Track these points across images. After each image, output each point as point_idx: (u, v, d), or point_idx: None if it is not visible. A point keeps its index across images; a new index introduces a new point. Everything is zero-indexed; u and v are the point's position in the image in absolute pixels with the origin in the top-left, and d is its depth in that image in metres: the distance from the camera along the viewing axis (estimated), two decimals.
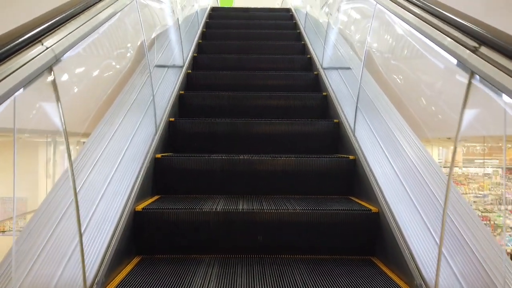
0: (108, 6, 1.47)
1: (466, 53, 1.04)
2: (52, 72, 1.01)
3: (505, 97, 0.89)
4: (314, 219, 1.67)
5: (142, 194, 1.77)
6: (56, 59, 1.02)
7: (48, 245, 1.07)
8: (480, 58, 0.98)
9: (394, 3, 1.66)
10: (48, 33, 1.02)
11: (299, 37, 4.52)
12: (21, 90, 0.85)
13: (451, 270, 1.16)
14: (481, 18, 1.08)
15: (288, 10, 5.98)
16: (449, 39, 1.15)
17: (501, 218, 5.62)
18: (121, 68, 1.86)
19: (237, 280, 1.37)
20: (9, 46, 0.84)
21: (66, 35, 1.11)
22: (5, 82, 0.79)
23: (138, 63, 2.02)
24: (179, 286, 1.31)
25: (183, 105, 2.80)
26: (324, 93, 2.87)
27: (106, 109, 1.62)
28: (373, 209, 1.68)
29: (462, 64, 1.07)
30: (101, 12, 1.39)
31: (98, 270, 1.22)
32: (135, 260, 1.58)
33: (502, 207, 5.89)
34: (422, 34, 1.37)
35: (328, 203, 1.82)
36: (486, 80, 0.95)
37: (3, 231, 4.90)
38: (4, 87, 0.78)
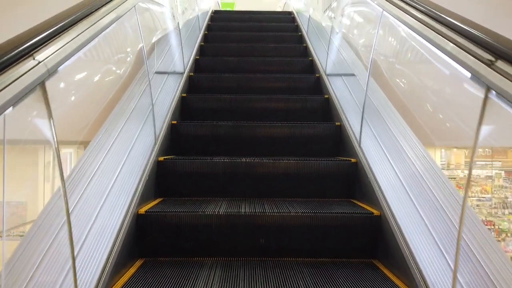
0: (107, 14, 1.43)
1: (481, 67, 0.99)
2: (45, 87, 0.96)
3: None
4: (316, 222, 1.68)
5: (144, 197, 1.78)
6: (49, 73, 0.98)
7: (37, 272, 1.00)
8: (497, 73, 0.93)
9: (403, 11, 1.60)
10: (41, 46, 0.97)
11: (300, 39, 4.53)
12: (10, 108, 0.81)
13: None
14: (486, 23, 1.06)
15: (290, 15, 5.94)
16: (463, 52, 1.09)
17: (505, 222, 5.55)
18: (120, 76, 1.82)
19: (239, 283, 1.38)
20: None
21: (62, 47, 1.06)
22: None
23: (138, 70, 1.99)
24: None
25: (185, 107, 2.81)
26: (326, 96, 2.88)
27: (106, 117, 1.59)
28: (375, 212, 1.68)
29: (476, 78, 1.01)
30: (100, 20, 1.34)
31: (102, 273, 1.23)
32: (138, 263, 1.59)
33: (507, 211, 5.82)
34: (432, 44, 1.30)
35: (330, 206, 1.83)
36: (505, 97, 0.90)
37: None
38: None
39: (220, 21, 5.36)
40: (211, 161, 2.08)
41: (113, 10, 1.49)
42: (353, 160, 2.09)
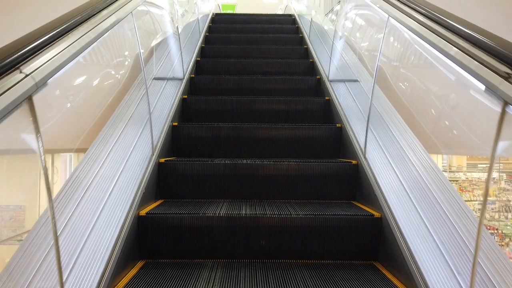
0: (103, 21, 1.36)
1: (497, 80, 0.92)
2: (32, 102, 0.90)
3: None
4: (317, 224, 1.68)
5: (145, 199, 1.78)
6: (37, 87, 0.91)
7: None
8: None
9: (411, 18, 1.51)
10: (29, 58, 0.91)
11: (301, 41, 4.53)
12: None
13: None
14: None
15: (292, 19, 5.85)
16: (475, 62, 1.01)
17: (508, 227, 5.45)
18: (117, 83, 1.78)
19: (240, 284, 1.38)
20: None
21: (52, 58, 0.99)
22: None
23: (136, 75, 1.94)
24: None
25: (186, 109, 2.82)
26: (327, 98, 2.88)
27: (104, 123, 1.56)
28: (376, 214, 1.68)
29: (492, 91, 0.95)
30: (93, 28, 1.26)
31: (103, 275, 1.23)
32: (139, 264, 1.59)
33: (510, 215, 5.71)
34: (444, 55, 1.21)
35: (330, 208, 1.83)
36: None
37: None
38: None
39: (221, 22, 5.37)
40: (212, 163, 2.08)
41: (108, 17, 1.42)
42: (354, 162, 2.09)
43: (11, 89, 0.81)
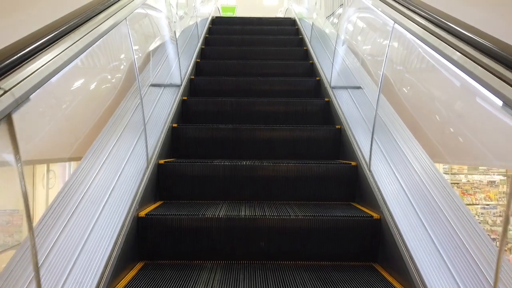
0: (96, 28, 1.30)
1: None
2: (11, 120, 0.81)
3: None
4: (316, 225, 1.68)
5: (145, 200, 1.78)
6: (18, 104, 0.82)
7: None
8: None
9: (419, 26, 1.43)
10: (9, 72, 0.83)
11: (301, 43, 4.53)
12: None
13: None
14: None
15: (293, 26, 5.66)
16: (496, 79, 0.94)
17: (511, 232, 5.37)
18: (111, 91, 1.68)
19: (239, 285, 1.38)
20: None
21: (37, 70, 0.91)
22: None
23: (132, 81, 1.84)
24: None
25: (186, 111, 2.83)
26: (327, 99, 2.88)
27: (101, 128, 1.49)
28: (375, 215, 1.68)
29: (508, 106, 0.88)
30: (84, 36, 1.19)
31: (102, 276, 1.24)
32: (139, 266, 1.59)
33: None
34: (456, 66, 1.14)
35: (330, 209, 1.83)
36: None
37: None
38: None
39: (221, 24, 5.37)
40: (211, 164, 2.08)
41: (102, 23, 1.35)
42: (353, 163, 2.09)
43: None
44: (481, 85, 1.00)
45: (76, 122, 1.36)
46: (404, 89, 1.80)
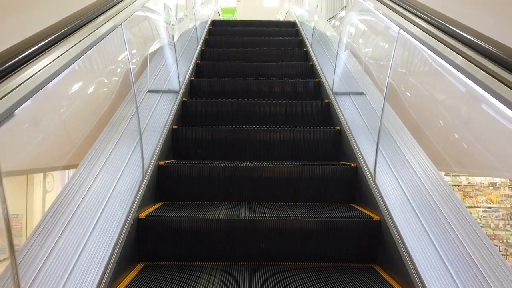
0: (89, 35, 1.25)
1: None
2: None
3: None
4: (316, 227, 1.68)
5: (145, 201, 1.79)
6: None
7: None
8: None
9: (428, 33, 1.35)
10: None
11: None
12: None
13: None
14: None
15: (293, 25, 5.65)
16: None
17: None
18: (106, 98, 1.62)
19: (239, 287, 1.38)
20: None
21: (22, 83, 0.84)
22: None
23: (128, 87, 1.77)
24: None
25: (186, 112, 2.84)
26: (326, 100, 2.89)
27: (99, 133, 1.46)
28: (375, 217, 1.68)
29: None
30: (77, 44, 1.14)
31: (102, 277, 1.24)
32: (139, 267, 1.59)
33: None
34: (468, 77, 1.08)
35: (329, 211, 1.83)
36: None
37: None
38: None
39: (221, 25, 5.37)
40: (211, 165, 2.09)
41: (98, 28, 1.31)
42: (353, 164, 2.09)
43: None
44: (495, 97, 0.96)
45: (73, 128, 1.34)
46: (408, 93, 1.75)
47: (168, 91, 2.59)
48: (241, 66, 3.66)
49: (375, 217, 1.68)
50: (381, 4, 1.89)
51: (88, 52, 1.24)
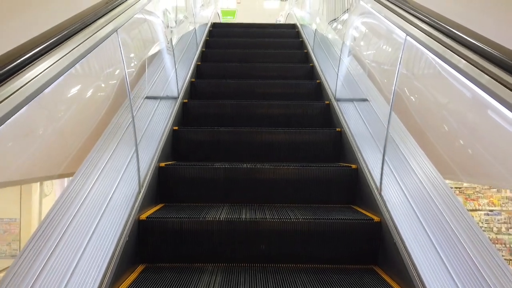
0: (83, 42, 1.21)
1: None
2: None
3: None
4: (316, 228, 1.68)
5: (146, 203, 1.79)
6: None
7: None
8: None
9: (437, 42, 1.28)
10: None
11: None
12: None
13: None
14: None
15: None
16: None
17: None
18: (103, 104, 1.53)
19: None
20: None
21: (10, 95, 0.81)
22: None
23: (124, 96, 1.67)
24: None
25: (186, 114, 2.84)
26: (326, 101, 2.89)
27: (99, 136, 1.42)
28: (375, 218, 1.68)
29: None
30: (70, 52, 1.11)
31: (103, 279, 1.24)
32: (139, 269, 1.59)
33: None
34: (481, 88, 1.03)
35: (330, 212, 1.83)
36: None
37: None
38: None
39: (222, 27, 5.36)
40: (212, 167, 2.09)
41: (86, 40, 1.24)
42: (353, 166, 2.09)
43: None
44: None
45: (70, 133, 1.30)
46: (414, 100, 1.66)
47: (167, 97, 2.56)
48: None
49: (376, 218, 1.68)
50: (389, 11, 1.80)
51: (81, 60, 1.20)
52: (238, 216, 1.72)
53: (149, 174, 1.88)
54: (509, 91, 0.93)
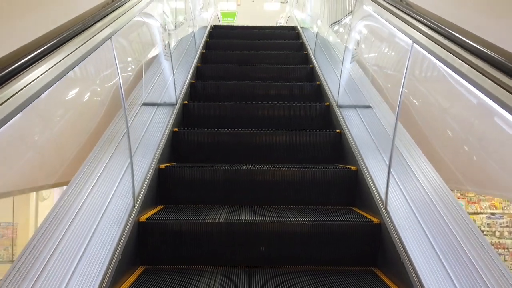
0: (78, 48, 1.18)
1: None
2: None
3: None
4: (316, 230, 1.68)
5: (146, 204, 1.79)
6: None
7: None
8: None
9: (447, 50, 1.21)
10: None
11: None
12: None
13: None
14: None
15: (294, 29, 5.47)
16: None
17: None
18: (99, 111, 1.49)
19: None
20: None
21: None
22: None
23: (120, 103, 1.61)
24: None
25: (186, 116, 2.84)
26: (327, 103, 2.89)
27: (95, 143, 1.39)
28: (375, 220, 1.69)
29: None
30: (61, 61, 1.08)
31: (102, 281, 1.24)
32: (139, 271, 1.60)
33: None
34: (493, 100, 0.96)
35: (330, 214, 1.83)
36: None
37: None
38: None
39: (222, 28, 5.36)
40: (211, 169, 2.09)
41: (88, 40, 1.23)
42: (353, 167, 2.09)
43: None
44: None
45: (70, 137, 1.28)
46: (420, 110, 1.58)
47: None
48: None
49: (375, 220, 1.68)
50: (394, 16, 1.72)
51: (73, 68, 1.16)
52: (237, 217, 1.72)
53: (148, 176, 1.88)
54: None
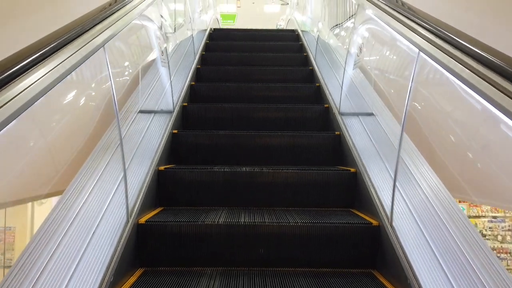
0: (73, 54, 1.15)
1: None
2: None
3: None
4: (315, 232, 1.68)
5: (145, 206, 1.79)
6: None
7: None
8: None
9: (456, 60, 1.15)
10: None
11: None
12: None
13: None
14: None
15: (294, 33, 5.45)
16: None
17: None
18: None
19: None
20: None
21: None
22: None
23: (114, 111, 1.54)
24: None
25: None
26: (326, 105, 2.89)
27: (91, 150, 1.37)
28: (374, 222, 1.69)
29: None
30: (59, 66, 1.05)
31: (102, 282, 1.24)
32: (138, 272, 1.60)
33: None
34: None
35: (329, 216, 1.84)
36: None
37: None
38: None
39: (221, 31, 5.36)
40: (211, 171, 2.09)
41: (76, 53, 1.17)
42: (352, 169, 2.10)
43: None
44: None
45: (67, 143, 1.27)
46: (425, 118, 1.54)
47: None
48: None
49: (374, 222, 1.69)
50: (399, 23, 1.68)
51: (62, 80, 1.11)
52: (237, 219, 1.72)
53: (148, 177, 1.88)
54: None
